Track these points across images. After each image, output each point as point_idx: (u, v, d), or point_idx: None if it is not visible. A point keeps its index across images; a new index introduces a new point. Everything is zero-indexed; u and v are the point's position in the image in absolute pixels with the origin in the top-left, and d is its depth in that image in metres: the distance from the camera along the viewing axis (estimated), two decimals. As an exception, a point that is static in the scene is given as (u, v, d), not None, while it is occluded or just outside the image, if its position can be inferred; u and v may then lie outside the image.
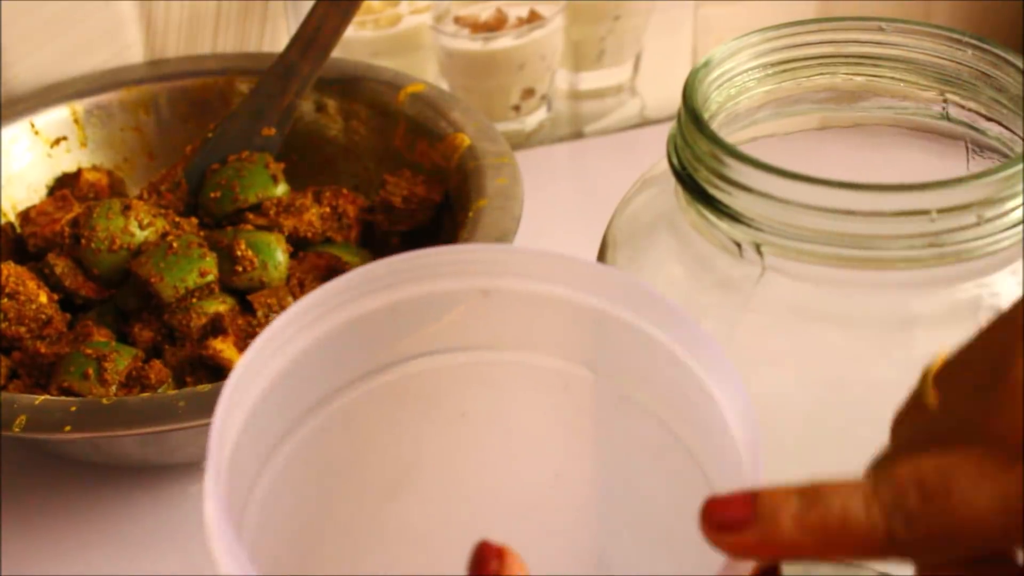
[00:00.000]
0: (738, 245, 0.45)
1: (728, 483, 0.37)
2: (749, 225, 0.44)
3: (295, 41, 0.75)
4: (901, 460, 0.33)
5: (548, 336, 0.46)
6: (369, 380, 0.46)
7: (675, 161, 0.46)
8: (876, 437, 0.46)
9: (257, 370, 0.42)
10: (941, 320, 0.45)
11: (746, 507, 0.33)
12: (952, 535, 0.32)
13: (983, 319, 0.44)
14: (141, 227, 0.70)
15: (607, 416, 0.47)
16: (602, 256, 0.51)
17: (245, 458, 0.42)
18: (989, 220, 0.43)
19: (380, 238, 0.75)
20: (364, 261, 0.71)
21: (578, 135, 0.92)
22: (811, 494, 0.33)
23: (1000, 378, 0.33)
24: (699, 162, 0.45)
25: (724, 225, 0.45)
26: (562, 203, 0.84)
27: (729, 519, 0.33)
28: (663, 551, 0.46)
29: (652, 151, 0.52)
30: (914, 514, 0.32)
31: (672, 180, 0.48)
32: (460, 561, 0.38)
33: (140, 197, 0.75)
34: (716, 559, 0.34)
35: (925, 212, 0.42)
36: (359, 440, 0.48)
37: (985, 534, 0.32)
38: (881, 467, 0.34)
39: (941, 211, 0.42)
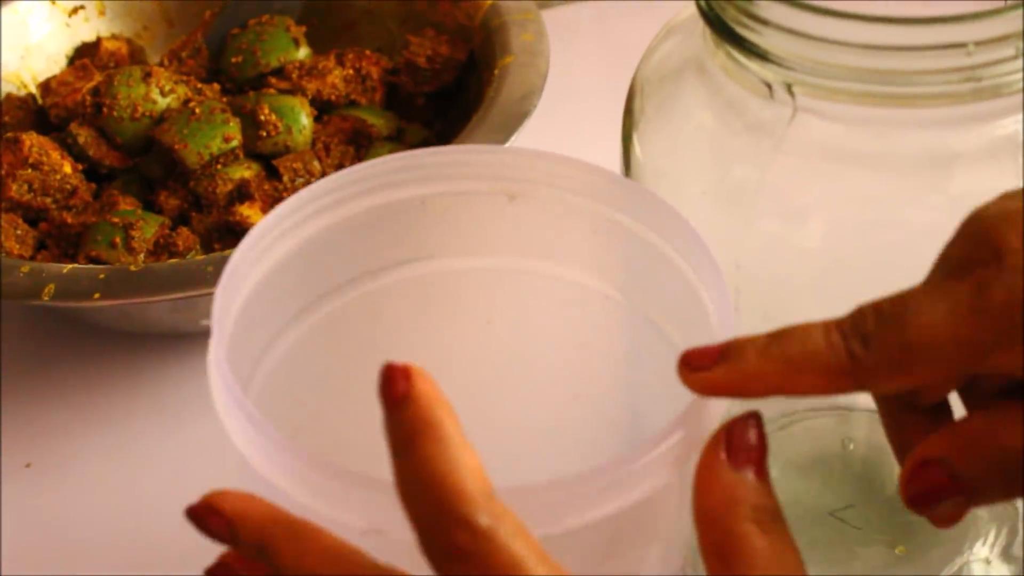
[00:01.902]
0: (768, 86, 0.44)
1: None
2: (780, 64, 0.43)
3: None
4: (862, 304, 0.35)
5: (570, 247, 0.46)
6: (395, 272, 0.46)
7: (703, 3, 0.45)
8: (912, 281, 0.45)
9: (267, 247, 0.42)
10: (979, 158, 0.44)
11: (717, 350, 0.35)
12: (909, 351, 0.34)
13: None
14: (163, 94, 0.69)
15: (626, 336, 0.47)
16: (629, 105, 0.50)
17: (252, 332, 0.42)
18: (1028, 53, 0.42)
19: (405, 99, 0.74)
20: (389, 123, 0.71)
21: (604, -8, 0.90)
22: (778, 333, 0.35)
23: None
24: (727, 1, 0.44)
25: (754, 66, 0.44)
26: (588, 62, 0.83)
27: (702, 361, 0.35)
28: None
29: (679, 8, 0.51)
30: (871, 334, 0.34)
31: (699, 24, 0.46)
32: None
33: (161, 64, 0.74)
34: None
35: (962, 45, 0.41)
36: (383, 332, 0.47)
37: (940, 348, 0.34)
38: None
39: (978, 44, 0.41)
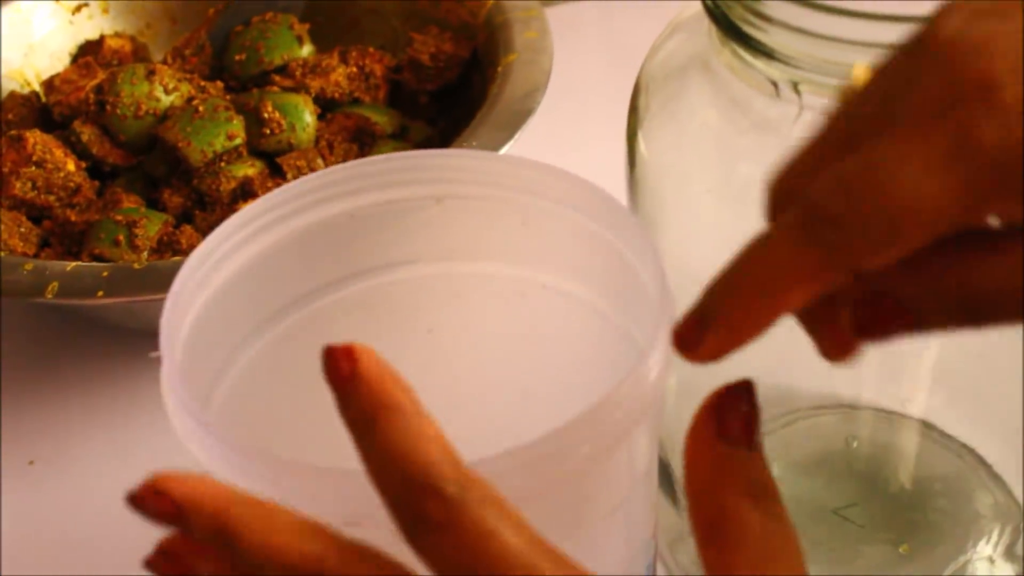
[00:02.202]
0: (775, 85, 0.44)
1: None
2: (786, 63, 0.43)
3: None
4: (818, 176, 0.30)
5: (502, 243, 0.46)
6: (333, 290, 0.46)
7: (708, 1, 0.45)
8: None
9: (209, 271, 0.42)
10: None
11: (695, 318, 0.32)
12: (893, 225, 0.29)
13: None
14: (166, 92, 0.69)
15: (571, 325, 0.46)
16: (634, 103, 0.50)
17: (199, 363, 0.41)
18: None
19: (408, 97, 0.74)
20: (392, 121, 0.71)
21: (608, -10, 0.90)
22: (737, 266, 0.31)
23: (920, 40, 0.30)
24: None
25: (760, 64, 0.44)
26: (592, 59, 0.83)
27: (691, 335, 0.32)
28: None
29: (683, 5, 0.51)
30: (843, 216, 0.29)
31: (705, 21, 0.46)
32: None
33: (164, 62, 0.74)
34: None
35: (968, 43, 0.41)
36: None
37: (928, 212, 0.29)
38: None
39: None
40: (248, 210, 0.43)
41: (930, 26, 0.30)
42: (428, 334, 0.48)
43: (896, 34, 0.41)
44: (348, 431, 0.32)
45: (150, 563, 0.33)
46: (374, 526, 0.34)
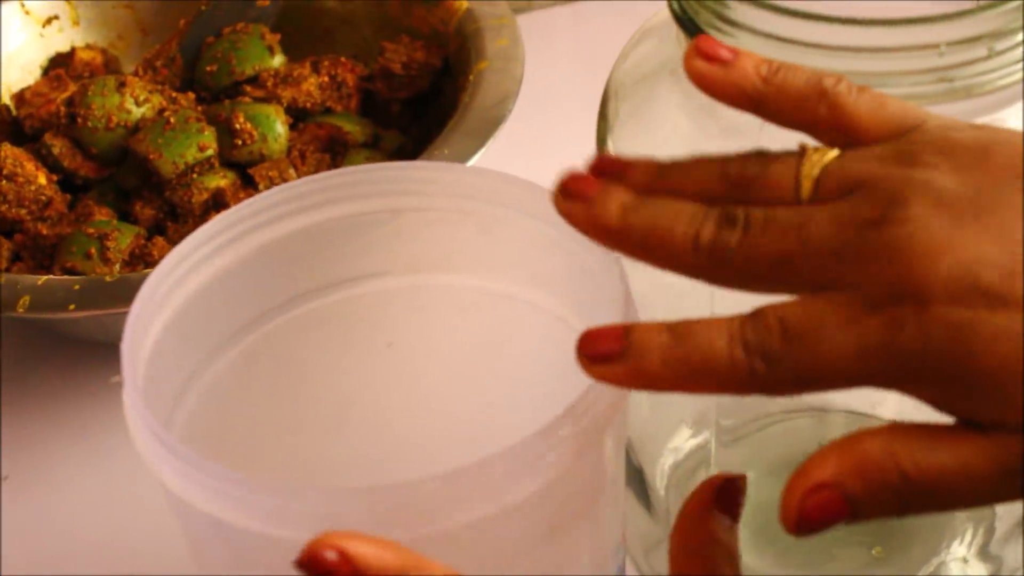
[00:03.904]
0: (742, 89, 0.44)
1: None
2: (753, 68, 0.43)
3: (285, -93, 0.74)
4: (769, 306, 0.33)
5: (462, 254, 0.46)
6: (293, 306, 0.46)
7: (676, 6, 0.45)
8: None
9: (169, 290, 0.42)
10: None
11: (618, 340, 0.34)
12: (812, 375, 0.32)
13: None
14: (137, 103, 0.69)
15: (532, 332, 0.46)
16: (603, 109, 0.50)
17: (162, 383, 0.41)
18: (999, 53, 0.42)
19: (381, 106, 0.74)
20: (365, 130, 0.71)
21: (580, -4, 0.90)
22: (681, 330, 0.33)
23: (881, 224, 0.32)
24: (700, 4, 0.44)
25: (727, 69, 0.44)
26: (564, 65, 0.83)
27: (602, 351, 0.34)
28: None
29: (656, 9, 0.51)
30: (775, 353, 0.32)
31: (673, 27, 0.46)
32: None
33: (135, 74, 0.74)
34: None
35: (934, 46, 0.41)
36: (291, 370, 0.47)
37: (844, 375, 0.32)
38: (755, 309, 0.34)
39: (950, 44, 0.41)
40: (204, 230, 0.43)
41: (899, 207, 0.32)
42: (389, 348, 0.48)
43: (860, 38, 0.41)
44: None
45: None
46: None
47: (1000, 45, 0.41)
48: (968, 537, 0.52)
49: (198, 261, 0.43)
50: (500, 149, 0.64)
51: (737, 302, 0.46)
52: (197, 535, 0.38)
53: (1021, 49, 0.42)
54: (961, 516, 0.52)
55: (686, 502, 0.37)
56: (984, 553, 0.52)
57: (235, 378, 0.45)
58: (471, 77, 0.67)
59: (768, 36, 0.42)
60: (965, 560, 0.52)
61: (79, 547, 0.58)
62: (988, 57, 0.42)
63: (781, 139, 0.44)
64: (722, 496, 0.37)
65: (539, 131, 0.73)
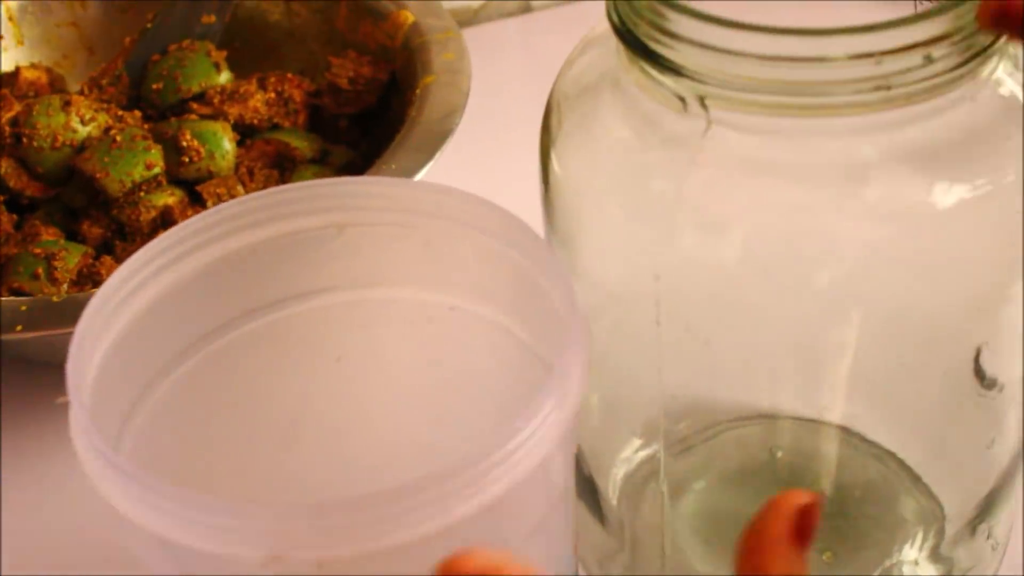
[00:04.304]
0: (682, 100, 0.44)
1: None
2: (692, 78, 0.43)
3: (229, -76, 0.73)
4: None
5: (407, 268, 0.46)
6: (240, 324, 0.46)
7: (615, 18, 0.45)
8: (831, 289, 0.45)
9: (114, 308, 0.41)
10: (894, 164, 0.44)
11: None
12: None
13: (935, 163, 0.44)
14: (83, 122, 0.68)
15: (481, 346, 0.46)
16: (547, 122, 0.50)
17: (108, 404, 0.41)
18: (937, 60, 0.42)
19: (329, 122, 0.74)
20: (313, 145, 0.70)
21: (527, 9, 0.90)
22: None
23: None
24: (639, 16, 0.44)
25: (667, 80, 0.44)
26: (512, 78, 0.83)
27: None
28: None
29: (598, 20, 0.51)
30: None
31: (613, 39, 0.46)
32: None
33: (81, 92, 0.73)
34: None
35: (870, 55, 0.41)
36: (240, 387, 0.47)
37: None
38: None
39: (886, 53, 0.41)
40: (150, 248, 0.42)
41: None
42: (337, 363, 0.48)
43: (798, 48, 0.41)
44: None
45: None
46: (296, 560, 0.34)
47: (937, 53, 0.42)
48: (919, 540, 0.52)
49: (144, 279, 0.43)
50: (448, 163, 0.64)
51: (682, 317, 0.47)
52: (146, 554, 0.38)
53: (957, 56, 0.42)
54: (911, 520, 0.53)
55: (759, 523, 0.34)
56: (935, 555, 0.52)
57: (184, 396, 0.45)
58: (418, 91, 0.67)
59: (706, 47, 0.42)
60: (916, 563, 0.52)
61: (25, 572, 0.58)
62: (925, 65, 0.42)
63: (723, 150, 0.44)
64: (802, 528, 0.34)
65: (488, 144, 0.73)
